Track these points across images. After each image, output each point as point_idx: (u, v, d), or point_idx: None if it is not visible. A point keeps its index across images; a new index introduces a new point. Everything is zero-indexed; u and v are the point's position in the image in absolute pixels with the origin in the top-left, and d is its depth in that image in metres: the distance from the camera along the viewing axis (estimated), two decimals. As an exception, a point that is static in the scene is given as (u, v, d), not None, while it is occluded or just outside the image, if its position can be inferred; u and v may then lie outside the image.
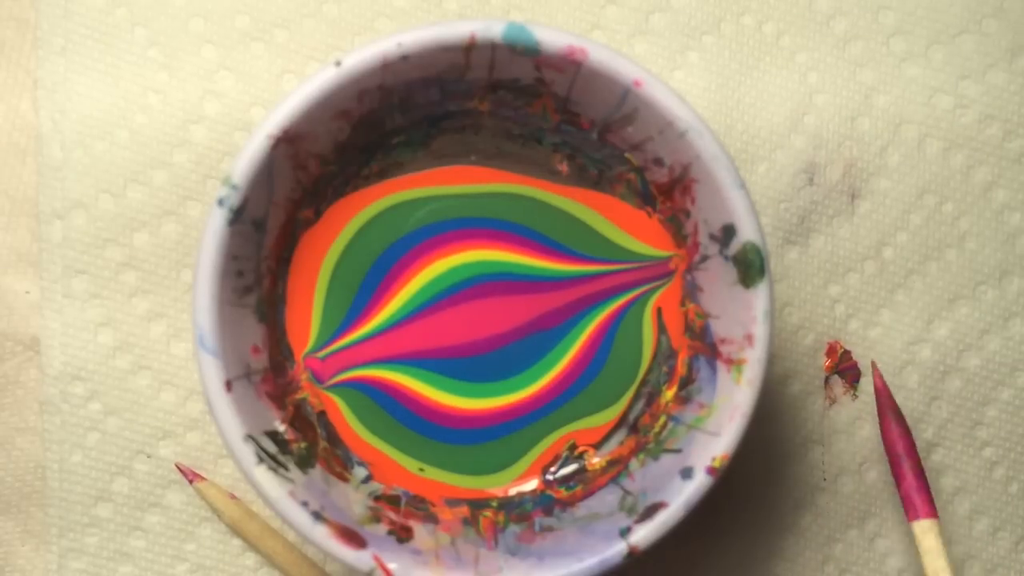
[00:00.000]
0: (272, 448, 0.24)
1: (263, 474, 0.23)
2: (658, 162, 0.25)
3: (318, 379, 0.26)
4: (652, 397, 0.26)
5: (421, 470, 0.26)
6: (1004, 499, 0.31)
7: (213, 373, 0.23)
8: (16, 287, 0.30)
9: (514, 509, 0.26)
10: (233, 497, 0.29)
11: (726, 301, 0.25)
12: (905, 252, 0.31)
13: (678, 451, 0.25)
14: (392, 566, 0.23)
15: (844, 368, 0.30)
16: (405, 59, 0.23)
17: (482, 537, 0.25)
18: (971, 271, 0.31)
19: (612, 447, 0.26)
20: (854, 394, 0.30)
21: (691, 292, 0.26)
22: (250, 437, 0.23)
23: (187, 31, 0.29)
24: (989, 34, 0.31)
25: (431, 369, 0.26)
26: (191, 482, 0.29)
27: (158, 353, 0.29)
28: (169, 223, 0.29)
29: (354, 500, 0.25)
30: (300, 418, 0.25)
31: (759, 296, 0.24)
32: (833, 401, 0.30)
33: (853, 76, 0.30)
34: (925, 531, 0.27)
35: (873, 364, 0.30)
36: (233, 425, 0.23)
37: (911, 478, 0.28)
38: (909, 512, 0.28)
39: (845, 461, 0.30)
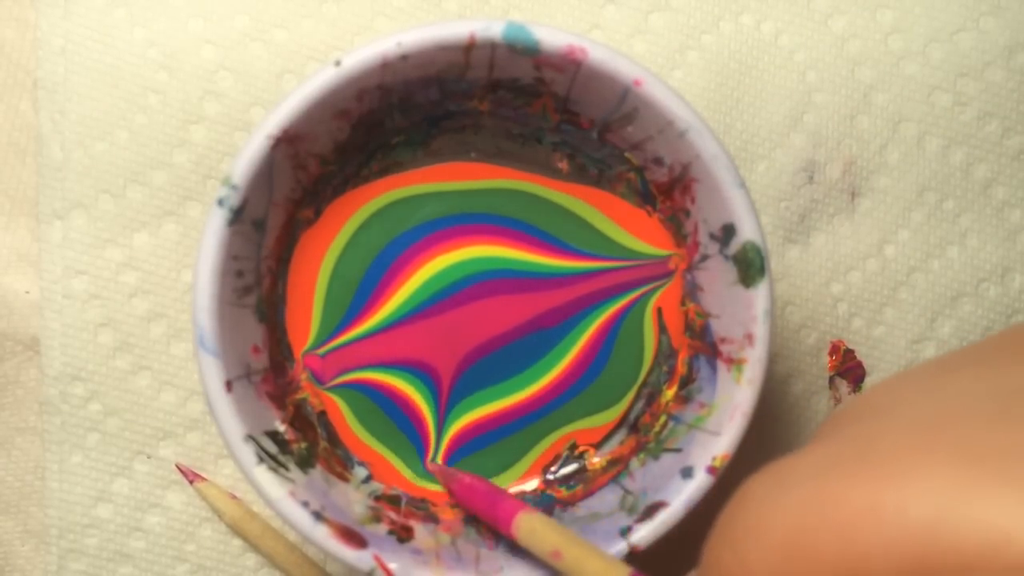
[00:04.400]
0: (272, 448, 0.24)
1: (263, 474, 0.23)
2: (658, 161, 0.25)
3: (318, 379, 0.26)
4: (652, 396, 0.26)
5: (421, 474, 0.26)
6: (1005, 498, 0.31)
7: (213, 373, 0.23)
8: (16, 287, 0.30)
9: (515, 509, 0.26)
10: (234, 497, 0.29)
11: (726, 300, 0.25)
12: (907, 250, 0.31)
13: (678, 450, 0.25)
14: (393, 566, 0.23)
15: (848, 367, 0.30)
16: (405, 59, 0.23)
17: (483, 537, 0.25)
18: (973, 268, 0.31)
19: (612, 447, 0.26)
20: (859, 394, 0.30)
21: (691, 291, 0.26)
22: (250, 437, 0.23)
23: (187, 31, 0.29)
24: (987, 32, 0.31)
25: (431, 374, 0.26)
26: (191, 482, 0.29)
27: (158, 353, 0.29)
28: (169, 223, 0.29)
29: (354, 500, 0.25)
30: (300, 418, 0.25)
31: (759, 295, 0.24)
32: (838, 401, 0.30)
33: (852, 74, 0.30)
34: (530, 523, 0.23)
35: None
36: (233, 425, 0.23)
37: (489, 497, 0.24)
38: (505, 525, 0.24)
39: (846, 460, 0.30)
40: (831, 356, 0.30)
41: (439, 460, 0.26)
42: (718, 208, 0.24)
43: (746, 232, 0.24)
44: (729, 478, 0.24)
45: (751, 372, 0.24)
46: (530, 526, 0.23)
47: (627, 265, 0.26)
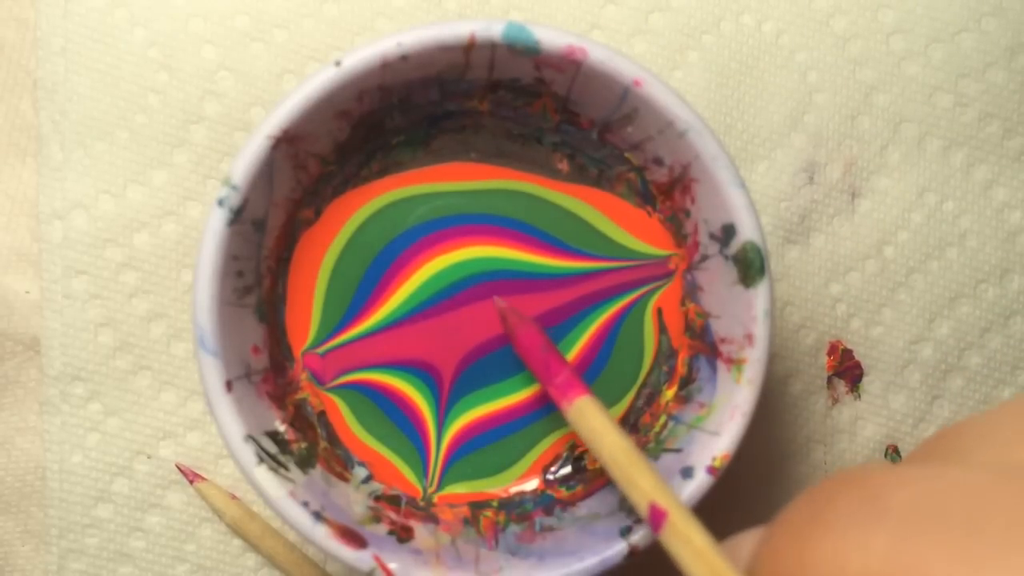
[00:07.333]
0: (272, 448, 0.24)
1: (263, 474, 0.23)
2: (658, 162, 0.25)
3: (318, 379, 0.26)
4: (652, 397, 0.26)
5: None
6: (1005, 498, 0.31)
7: (213, 373, 0.23)
8: (16, 287, 0.30)
9: (515, 509, 0.26)
10: (234, 497, 0.29)
11: (726, 300, 0.25)
12: (906, 251, 0.31)
13: (678, 451, 0.25)
14: (392, 566, 0.23)
15: (846, 367, 0.30)
16: (405, 59, 0.23)
17: (482, 537, 0.25)
18: (972, 269, 0.31)
19: (612, 447, 0.26)
20: (856, 394, 0.30)
21: (691, 292, 0.26)
22: (250, 437, 0.23)
23: (187, 31, 0.29)
24: (988, 32, 0.31)
25: (431, 373, 0.26)
26: (191, 482, 0.29)
27: (158, 353, 0.29)
28: (169, 223, 0.29)
29: (354, 500, 0.25)
30: (300, 418, 0.25)
31: (759, 295, 0.24)
32: (836, 401, 0.30)
33: (853, 75, 0.30)
34: (586, 408, 0.23)
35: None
36: (233, 425, 0.23)
37: (559, 364, 0.24)
38: (561, 400, 0.23)
39: (847, 461, 0.30)
40: (829, 356, 0.30)
41: (439, 461, 0.26)
42: (718, 208, 0.24)
43: (746, 232, 0.24)
44: (729, 478, 0.24)
45: (751, 372, 0.24)
46: (581, 412, 0.23)
47: (627, 265, 0.26)
